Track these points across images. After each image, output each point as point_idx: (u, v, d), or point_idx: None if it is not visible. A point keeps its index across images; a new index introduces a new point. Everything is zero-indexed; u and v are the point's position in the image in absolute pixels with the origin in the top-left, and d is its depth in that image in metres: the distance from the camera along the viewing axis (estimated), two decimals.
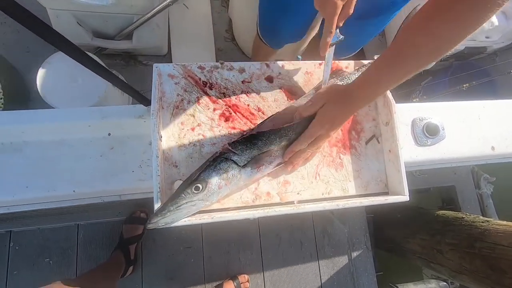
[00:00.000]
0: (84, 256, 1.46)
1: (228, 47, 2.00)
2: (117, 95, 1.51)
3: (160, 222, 0.54)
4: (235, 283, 1.45)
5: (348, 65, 0.82)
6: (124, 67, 1.83)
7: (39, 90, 1.36)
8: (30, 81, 1.57)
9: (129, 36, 1.51)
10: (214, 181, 0.57)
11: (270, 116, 0.68)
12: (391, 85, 0.58)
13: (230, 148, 0.60)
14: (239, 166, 0.60)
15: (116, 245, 1.42)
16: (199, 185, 0.56)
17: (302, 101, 0.70)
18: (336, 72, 0.78)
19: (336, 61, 0.81)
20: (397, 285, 1.72)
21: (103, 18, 1.38)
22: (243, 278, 1.49)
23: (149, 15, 1.35)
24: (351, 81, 0.69)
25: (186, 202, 0.55)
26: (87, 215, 1.48)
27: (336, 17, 0.61)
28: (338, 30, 0.64)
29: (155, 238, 1.51)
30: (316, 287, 1.59)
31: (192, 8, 1.85)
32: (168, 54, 1.82)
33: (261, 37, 1.22)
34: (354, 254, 1.65)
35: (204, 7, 1.91)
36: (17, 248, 1.43)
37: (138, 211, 1.49)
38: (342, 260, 1.63)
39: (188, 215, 0.57)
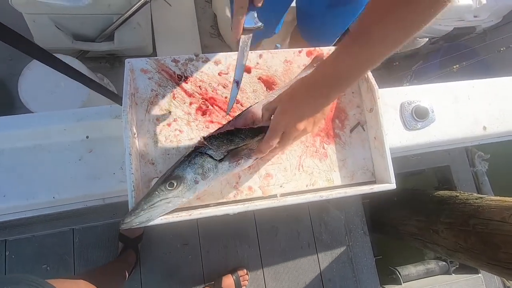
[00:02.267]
0: (81, 260, 1.45)
1: (214, 43, 1.97)
2: (102, 98, 1.48)
3: (134, 222, 0.51)
4: (234, 277, 1.44)
5: (329, 51, 0.79)
6: (109, 69, 1.80)
7: (21, 97, 1.33)
8: (15, 89, 1.55)
9: (110, 37, 1.48)
10: (189, 176, 0.55)
11: (249, 107, 0.65)
12: (353, 73, 0.50)
13: (205, 142, 0.57)
14: (215, 160, 0.57)
15: (125, 245, 1.41)
16: (173, 181, 0.53)
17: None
18: (316, 59, 0.75)
19: (317, 48, 0.78)
20: (396, 267, 1.71)
21: (82, 20, 1.35)
22: (242, 271, 1.49)
23: (127, 14, 1.32)
24: None
25: (160, 200, 0.53)
26: (81, 219, 1.47)
27: None
28: (256, 15, 0.56)
29: (151, 237, 1.50)
30: (315, 275, 1.58)
31: (175, 5, 1.82)
32: (154, 54, 1.79)
33: None
34: (352, 240, 1.64)
35: (188, 3, 1.87)
36: (13, 256, 1.41)
37: None
38: (340, 247, 1.62)
39: (165, 212, 0.55)
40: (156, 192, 0.52)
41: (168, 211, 0.55)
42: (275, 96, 0.65)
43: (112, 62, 1.78)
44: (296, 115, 0.54)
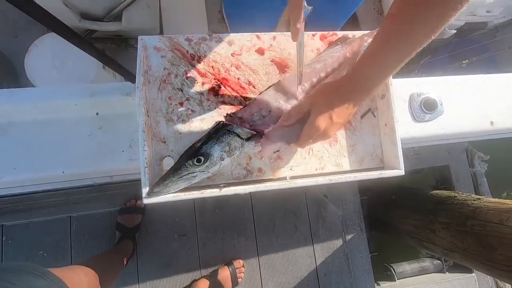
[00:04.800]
0: (78, 247, 1.45)
1: (222, 29, 1.94)
2: (109, 78, 1.47)
3: (162, 191, 0.55)
4: (230, 269, 1.45)
5: (344, 35, 0.78)
6: (116, 50, 1.78)
7: (27, 74, 1.33)
8: (20, 66, 1.53)
9: (118, 18, 1.45)
10: (216, 154, 0.56)
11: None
12: (387, 70, 0.53)
13: (233, 121, 0.58)
14: (242, 138, 0.59)
15: (122, 235, 1.42)
16: (201, 157, 0.55)
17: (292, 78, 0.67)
18: (341, 39, 0.74)
19: (331, 32, 0.78)
20: (391, 265, 1.73)
21: None
22: (238, 263, 1.50)
23: None
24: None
25: (188, 173, 0.55)
26: (79, 207, 1.46)
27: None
28: (305, 2, 0.55)
29: (149, 227, 1.50)
30: (311, 269, 1.60)
31: None
32: None
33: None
34: (348, 236, 1.65)
35: None
36: (10, 242, 1.41)
37: (133, 200, 1.47)
38: (337, 243, 1.63)
39: (189, 185, 0.57)
40: (184, 166, 0.55)
41: (191, 183, 0.57)
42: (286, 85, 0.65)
43: (118, 43, 1.76)
44: (332, 123, 0.57)
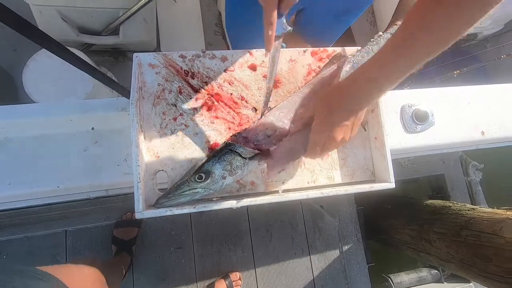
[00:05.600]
0: None
1: (218, 41, 1.98)
2: (106, 92, 1.49)
3: (165, 204, 0.57)
4: (227, 282, 1.44)
5: (334, 51, 0.80)
6: (113, 63, 1.81)
7: (25, 88, 1.34)
8: (18, 80, 1.55)
9: (115, 31, 1.48)
10: (218, 172, 0.58)
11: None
12: (392, 79, 0.51)
13: (241, 143, 0.60)
14: (244, 158, 0.60)
15: (118, 248, 1.41)
16: (202, 174, 0.57)
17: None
18: (336, 57, 0.75)
19: (321, 48, 0.80)
20: (389, 275, 1.72)
21: (88, 13, 1.36)
22: (234, 276, 1.48)
23: (134, 9, 1.33)
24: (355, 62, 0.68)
25: (189, 189, 0.57)
26: (75, 221, 1.46)
27: (275, 4, 0.51)
28: (284, 20, 0.55)
29: (145, 240, 1.50)
30: (308, 281, 1.59)
31: (180, 2, 1.83)
32: (158, 49, 1.80)
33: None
34: (345, 247, 1.65)
35: (193, 0, 1.88)
36: (4, 257, 1.40)
37: (129, 213, 1.47)
38: (334, 254, 1.63)
39: (192, 200, 0.59)
40: (186, 182, 0.57)
41: (194, 198, 0.59)
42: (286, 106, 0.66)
43: (116, 56, 1.79)
44: (335, 126, 0.55)
